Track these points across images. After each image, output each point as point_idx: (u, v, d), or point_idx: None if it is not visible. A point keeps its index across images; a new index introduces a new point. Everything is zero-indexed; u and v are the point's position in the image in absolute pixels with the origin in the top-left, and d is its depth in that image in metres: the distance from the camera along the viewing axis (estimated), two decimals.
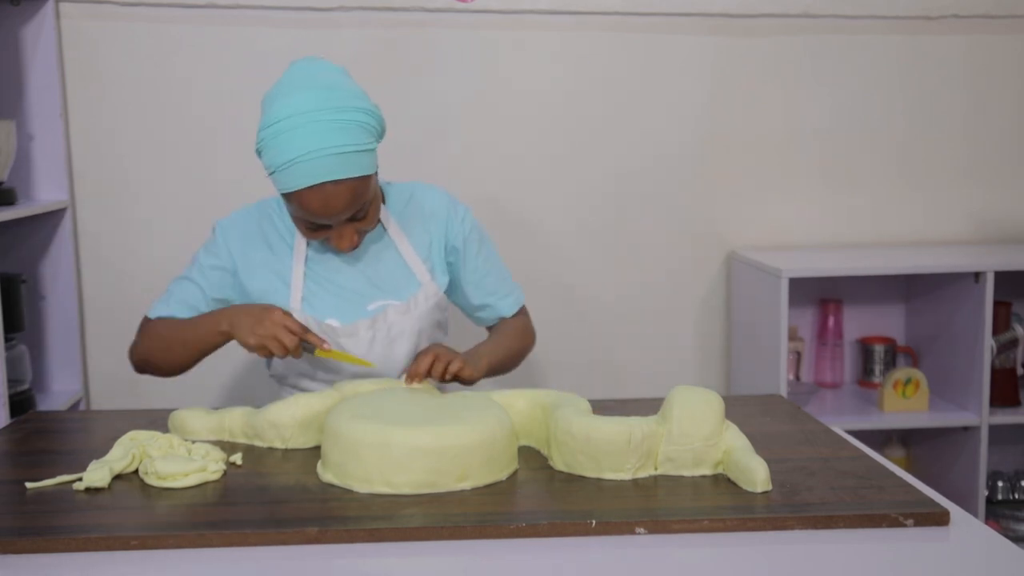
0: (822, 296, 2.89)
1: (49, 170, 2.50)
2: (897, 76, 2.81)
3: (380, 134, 1.63)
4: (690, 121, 2.76)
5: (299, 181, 1.54)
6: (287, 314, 1.61)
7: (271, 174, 1.58)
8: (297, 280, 1.72)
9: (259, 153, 1.59)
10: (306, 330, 1.61)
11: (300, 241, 1.74)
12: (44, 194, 2.51)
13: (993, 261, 2.55)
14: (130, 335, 2.55)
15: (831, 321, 2.86)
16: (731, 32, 2.73)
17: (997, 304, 2.60)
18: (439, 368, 1.61)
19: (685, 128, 2.76)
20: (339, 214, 1.59)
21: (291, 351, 1.59)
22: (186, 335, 1.71)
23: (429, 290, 1.77)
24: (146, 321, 1.80)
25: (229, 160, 2.61)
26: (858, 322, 2.91)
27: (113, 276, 2.62)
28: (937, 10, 2.75)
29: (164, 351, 1.75)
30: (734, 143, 2.79)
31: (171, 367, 1.76)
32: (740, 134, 2.78)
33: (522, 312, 1.94)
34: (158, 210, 2.62)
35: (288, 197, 1.59)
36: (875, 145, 2.84)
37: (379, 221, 1.75)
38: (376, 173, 1.64)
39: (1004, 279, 2.69)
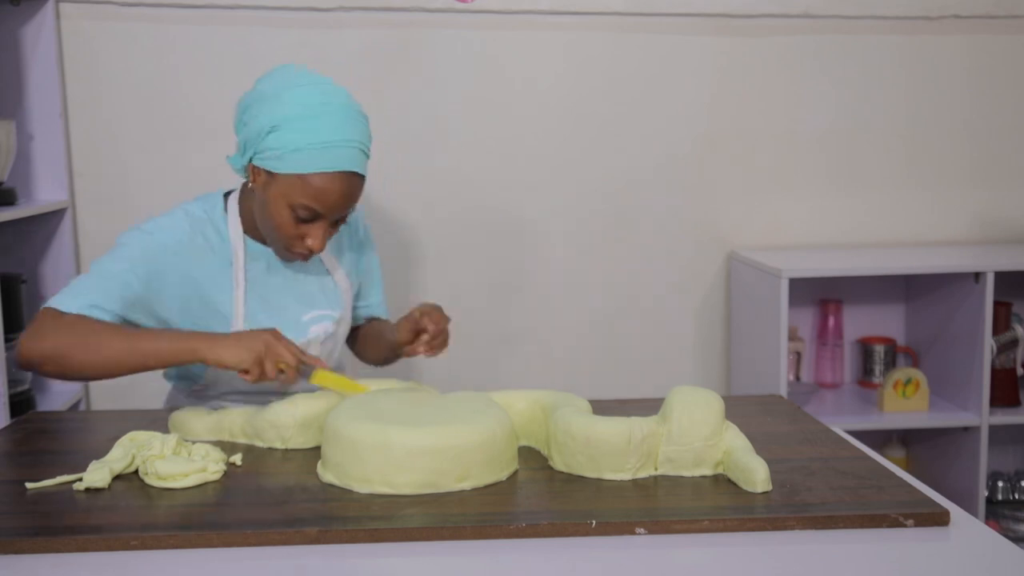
0: (822, 296, 2.89)
1: (49, 170, 2.50)
2: (897, 76, 2.81)
3: None
4: (690, 121, 2.76)
5: (329, 164, 1.56)
6: (279, 334, 1.51)
7: (290, 152, 1.55)
8: (239, 302, 1.67)
9: (272, 130, 1.56)
10: (302, 351, 1.51)
11: (238, 260, 1.69)
12: (44, 194, 2.50)
13: (993, 261, 2.55)
14: None
15: (831, 321, 2.86)
16: (731, 32, 2.73)
17: (997, 304, 2.60)
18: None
19: (685, 128, 2.76)
20: (343, 207, 1.61)
21: (291, 368, 1.48)
22: (138, 344, 1.49)
23: (347, 293, 1.83)
24: (56, 314, 1.52)
25: None
26: (858, 322, 2.91)
27: None
28: (937, 10, 2.75)
29: (91, 352, 1.49)
30: (734, 143, 2.79)
31: (92, 371, 1.51)
32: (740, 134, 2.78)
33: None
34: (158, 210, 2.60)
35: (302, 179, 1.56)
36: (875, 145, 2.84)
37: None
38: None
39: (1004, 279, 2.69)
